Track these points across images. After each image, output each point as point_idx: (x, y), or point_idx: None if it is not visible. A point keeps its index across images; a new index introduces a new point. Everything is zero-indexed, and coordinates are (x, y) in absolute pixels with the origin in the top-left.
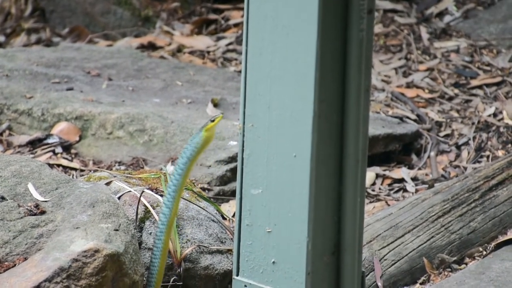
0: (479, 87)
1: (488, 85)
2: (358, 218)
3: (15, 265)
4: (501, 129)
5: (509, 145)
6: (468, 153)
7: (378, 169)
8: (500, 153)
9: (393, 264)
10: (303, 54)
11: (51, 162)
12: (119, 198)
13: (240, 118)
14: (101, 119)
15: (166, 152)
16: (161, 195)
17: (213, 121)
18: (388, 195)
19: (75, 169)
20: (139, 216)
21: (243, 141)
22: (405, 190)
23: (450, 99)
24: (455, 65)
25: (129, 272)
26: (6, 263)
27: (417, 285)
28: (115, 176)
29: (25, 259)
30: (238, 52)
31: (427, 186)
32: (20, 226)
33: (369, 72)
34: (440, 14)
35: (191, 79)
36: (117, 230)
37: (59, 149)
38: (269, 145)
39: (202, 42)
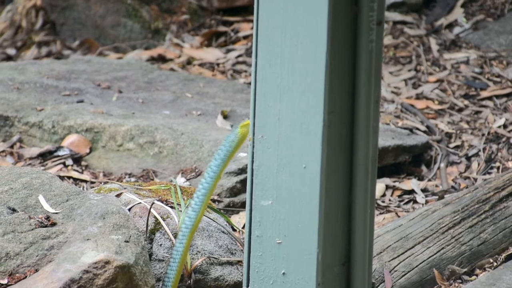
0: (489, 98)
1: (498, 96)
2: (368, 229)
3: (26, 276)
4: (511, 140)
5: None
6: (478, 164)
7: (388, 181)
8: (510, 164)
9: (403, 276)
10: (313, 66)
11: (62, 174)
12: (129, 209)
13: (250, 130)
14: (111, 131)
15: (176, 164)
16: (171, 207)
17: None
18: (398, 206)
19: (86, 181)
20: (149, 228)
21: (253, 153)
22: (415, 202)
23: (460, 110)
24: (465, 76)
25: (140, 283)
26: (17, 274)
27: None
28: (125, 188)
29: (36, 270)
30: (248, 64)
31: (437, 197)
32: (31, 238)
33: (379, 83)
34: (450, 26)
35: (201, 91)
36: (127, 241)
37: (69, 161)
38: (279, 156)
39: (212, 54)
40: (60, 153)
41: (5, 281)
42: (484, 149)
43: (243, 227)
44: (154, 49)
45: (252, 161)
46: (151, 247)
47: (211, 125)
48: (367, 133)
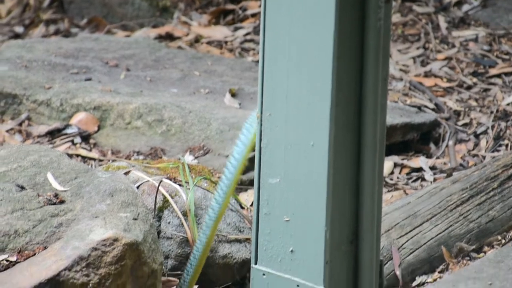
0: (498, 76)
1: (506, 74)
2: (376, 207)
3: (35, 254)
4: None
5: None
6: (487, 142)
7: (396, 158)
8: None
9: (411, 253)
10: (320, 44)
11: (70, 152)
12: (137, 187)
13: (258, 108)
14: (119, 109)
15: (184, 142)
16: (180, 185)
17: None
18: (406, 184)
19: (94, 159)
20: (157, 206)
21: (260, 131)
22: (423, 179)
23: (469, 88)
24: (473, 54)
25: (148, 261)
26: (26, 252)
27: (436, 273)
28: (133, 166)
29: (45, 248)
30: (256, 42)
31: (445, 175)
32: (40, 215)
33: (387, 61)
34: (459, 3)
35: (208, 69)
36: (136, 219)
37: (78, 139)
38: (286, 135)
39: (220, 32)
40: (69, 131)
41: (14, 258)
42: (492, 126)
43: (251, 205)
44: (162, 27)
45: (260, 139)
46: (160, 225)
47: (219, 103)
48: (375, 111)
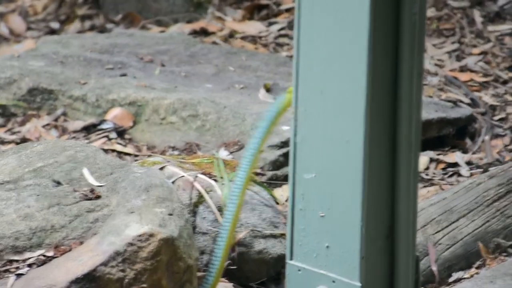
0: None
1: None
2: (412, 202)
3: (71, 249)
4: None
5: None
6: None
7: (431, 154)
8: None
9: (447, 249)
10: (355, 38)
11: (106, 147)
12: (172, 183)
13: (293, 103)
14: (154, 104)
15: (219, 137)
16: (215, 180)
17: None
18: (442, 179)
19: (129, 154)
20: (192, 201)
21: (295, 126)
22: (459, 175)
23: (505, 82)
24: (509, 48)
25: (184, 256)
26: (62, 247)
27: (473, 269)
28: (168, 161)
29: (81, 243)
30: (290, 37)
31: (481, 170)
32: (76, 210)
33: (422, 56)
34: None
35: (243, 65)
36: (171, 214)
37: (113, 135)
38: (321, 130)
39: (254, 27)
40: (104, 126)
41: (51, 253)
42: None
43: (286, 200)
44: (197, 22)
45: (295, 135)
46: (195, 220)
47: (254, 99)
48: (410, 106)
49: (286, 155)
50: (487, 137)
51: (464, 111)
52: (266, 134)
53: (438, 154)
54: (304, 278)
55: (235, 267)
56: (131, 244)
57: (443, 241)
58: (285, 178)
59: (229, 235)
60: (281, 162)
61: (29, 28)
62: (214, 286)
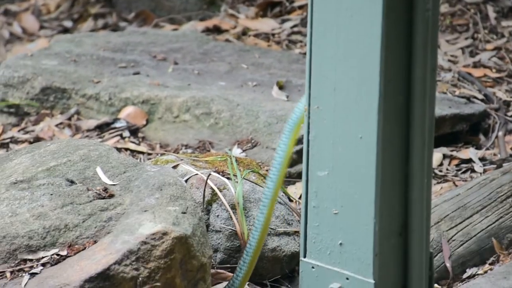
0: None
1: None
2: (425, 199)
3: (85, 248)
4: None
5: None
6: None
7: (445, 150)
8: None
9: (461, 245)
10: (368, 35)
11: (119, 146)
12: (186, 181)
13: (305, 100)
14: (168, 102)
15: (232, 135)
16: (228, 178)
17: None
18: (456, 175)
19: (143, 153)
20: (206, 199)
21: (308, 123)
22: (473, 171)
23: None
24: None
25: (197, 254)
26: (76, 246)
27: (486, 265)
28: (182, 159)
29: (95, 242)
30: (303, 35)
31: (495, 166)
32: (89, 209)
33: (435, 52)
34: None
35: (256, 62)
36: (184, 212)
37: (126, 133)
38: (334, 127)
39: (267, 24)
40: (117, 125)
41: (64, 252)
42: None
43: (300, 198)
44: (210, 20)
45: (308, 132)
46: (208, 218)
47: (267, 96)
48: (423, 102)
49: (299, 152)
50: (500, 133)
51: (478, 107)
52: (294, 136)
53: (452, 150)
54: (317, 276)
55: None
56: (144, 243)
57: (457, 238)
58: (298, 176)
59: (261, 235)
60: (295, 159)
61: (42, 27)
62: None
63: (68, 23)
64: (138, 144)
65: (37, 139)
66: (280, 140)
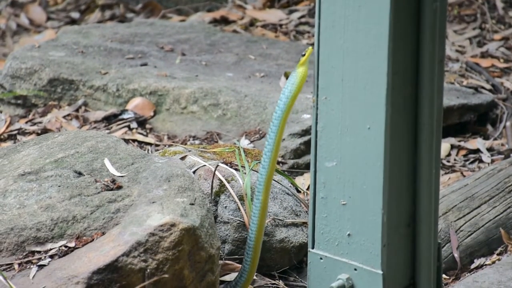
0: None
1: None
2: (433, 189)
3: (93, 239)
4: None
5: None
6: None
7: (453, 140)
8: None
9: (469, 235)
10: (376, 26)
11: (127, 137)
12: (194, 172)
13: (313, 91)
14: (175, 94)
15: (240, 126)
16: (236, 169)
17: (304, 55)
18: (464, 166)
19: (150, 144)
20: (214, 190)
21: (316, 114)
22: (480, 161)
23: None
24: None
25: (205, 245)
26: (84, 237)
27: (494, 255)
28: (189, 151)
29: (103, 233)
30: (311, 25)
31: (503, 156)
32: (98, 201)
33: (443, 42)
34: None
35: (263, 53)
36: (192, 204)
37: (134, 124)
38: (342, 118)
39: (275, 15)
40: (125, 116)
41: (72, 244)
42: None
43: (308, 189)
44: (217, 11)
45: (316, 123)
46: (216, 210)
47: (275, 87)
48: (431, 93)
49: (307, 143)
50: (508, 123)
51: (486, 97)
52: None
53: (460, 141)
54: (326, 266)
55: None
56: (152, 234)
57: (465, 228)
58: (306, 167)
59: (260, 221)
60: (302, 150)
61: (49, 18)
62: (249, 279)
63: (75, 14)
64: (146, 136)
65: (45, 131)
66: (269, 128)
